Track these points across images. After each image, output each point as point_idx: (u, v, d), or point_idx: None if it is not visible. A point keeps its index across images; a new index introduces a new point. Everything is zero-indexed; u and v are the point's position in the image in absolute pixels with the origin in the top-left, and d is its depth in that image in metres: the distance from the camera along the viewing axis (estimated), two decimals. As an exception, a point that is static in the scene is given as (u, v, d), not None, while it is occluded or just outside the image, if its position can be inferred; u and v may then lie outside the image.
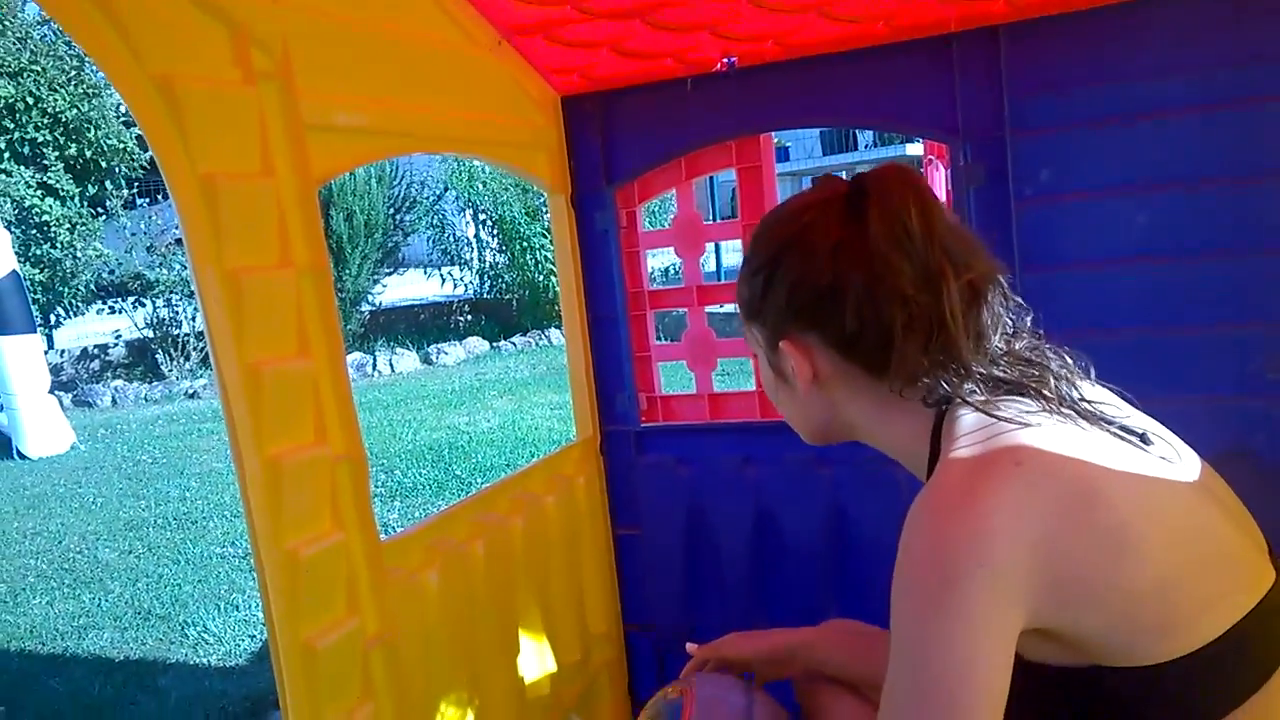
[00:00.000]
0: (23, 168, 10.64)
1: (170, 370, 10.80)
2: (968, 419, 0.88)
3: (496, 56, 1.76)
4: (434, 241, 13.60)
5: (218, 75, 1.16)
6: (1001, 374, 0.90)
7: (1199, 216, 1.60)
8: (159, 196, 11.96)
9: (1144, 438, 0.89)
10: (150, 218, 11.29)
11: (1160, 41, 1.58)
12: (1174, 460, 0.89)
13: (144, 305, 11.12)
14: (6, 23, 10.66)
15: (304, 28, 1.29)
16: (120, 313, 11.28)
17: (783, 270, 0.96)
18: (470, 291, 13.66)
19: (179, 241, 10.01)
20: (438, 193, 13.40)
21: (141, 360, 11.40)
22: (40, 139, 10.82)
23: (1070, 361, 0.96)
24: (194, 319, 10.88)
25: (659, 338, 2.17)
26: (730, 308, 1.34)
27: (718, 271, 11.44)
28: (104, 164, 11.43)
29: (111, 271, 11.31)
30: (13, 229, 9.83)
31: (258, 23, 1.21)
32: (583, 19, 1.65)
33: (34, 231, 10.75)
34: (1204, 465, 0.93)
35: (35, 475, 6.80)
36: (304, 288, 1.26)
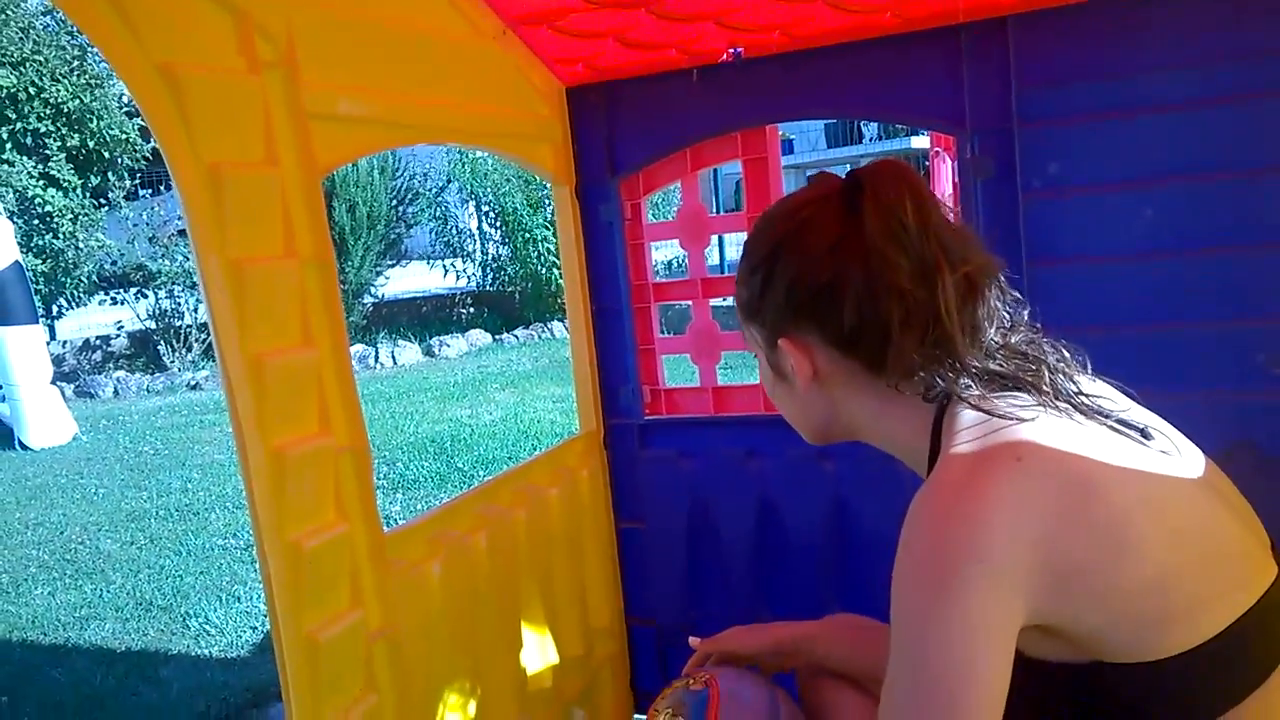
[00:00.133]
0: (25, 158, 10.63)
1: (172, 361, 10.80)
2: (967, 414, 0.88)
3: (501, 46, 1.76)
4: (437, 233, 13.60)
5: (222, 64, 1.15)
6: (998, 368, 0.90)
7: (1205, 211, 1.59)
8: (161, 187, 11.97)
9: (1144, 432, 0.89)
10: (153, 209, 11.27)
11: (1169, 35, 1.57)
12: (1174, 454, 0.89)
13: (146, 296, 11.11)
14: (9, 12, 10.63)
15: (308, 17, 1.28)
16: (122, 304, 11.28)
17: (780, 268, 0.96)
18: (473, 284, 13.67)
19: (181, 233, 10.03)
20: (440, 185, 13.39)
21: (144, 351, 11.41)
22: (42, 129, 10.80)
23: (1067, 355, 0.96)
24: (196, 310, 10.88)
25: (663, 331, 2.16)
26: (736, 300, 1.33)
27: (722, 264, 11.44)
28: (106, 155, 11.41)
29: (114, 262, 11.31)
30: (15, 219, 9.83)
31: (262, 12, 1.20)
32: (587, 9, 1.64)
33: (36, 222, 10.75)
34: (1206, 460, 0.92)
35: (37, 466, 6.81)
36: (308, 278, 1.25)
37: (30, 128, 10.72)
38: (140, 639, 3.59)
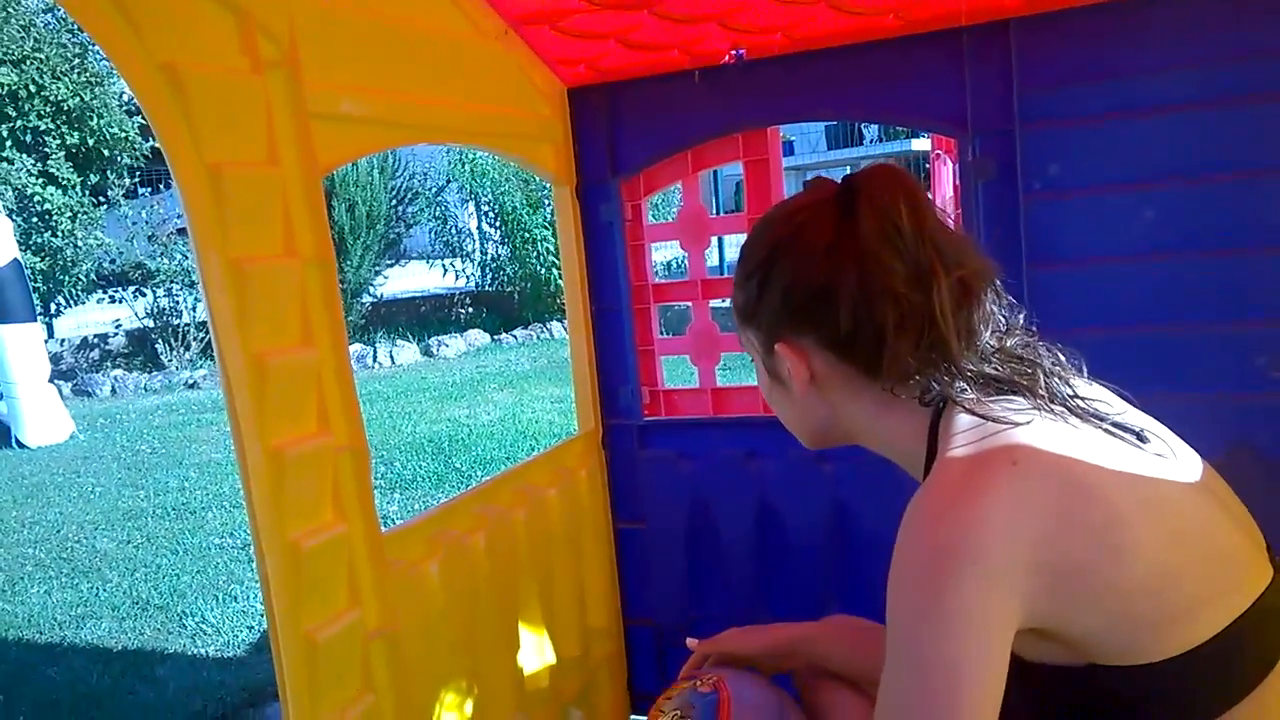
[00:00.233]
0: (24, 156, 10.62)
1: (170, 360, 10.80)
2: (963, 418, 0.88)
3: (503, 46, 1.76)
4: (436, 233, 13.60)
5: (225, 63, 1.15)
6: (993, 371, 0.90)
7: (1206, 213, 1.59)
8: (161, 186, 11.95)
9: (1140, 435, 0.89)
10: (152, 207, 11.27)
11: (1170, 37, 1.58)
12: (1170, 457, 0.89)
13: (145, 295, 11.10)
14: (10, 10, 10.62)
15: (311, 16, 1.28)
16: (121, 302, 11.27)
17: (776, 272, 0.97)
18: (472, 284, 13.67)
19: (180, 231, 10.03)
20: (440, 184, 13.39)
21: (141, 350, 11.40)
22: (42, 127, 10.79)
23: (1063, 359, 0.96)
24: (194, 309, 10.87)
25: (662, 331, 2.16)
26: (736, 302, 1.33)
27: (721, 265, 11.44)
28: (106, 153, 11.41)
29: (112, 261, 11.30)
30: (14, 217, 9.81)
31: (265, 11, 1.20)
32: (590, 9, 1.64)
33: (35, 220, 10.74)
34: (1202, 462, 0.93)
35: (34, 464, 6.80)
36: (308, 277, 1.25)
37: (30, 125, 10.71)
38: (137, 638, 3.59)
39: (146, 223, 11.07)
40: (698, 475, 2.03)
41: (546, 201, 11.91)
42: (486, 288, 13.58)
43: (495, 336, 11.92)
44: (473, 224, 13.62)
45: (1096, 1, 1.59)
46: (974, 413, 0.87)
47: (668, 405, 2.11)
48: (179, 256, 10.65)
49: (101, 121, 11.22)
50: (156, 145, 1.07)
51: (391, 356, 10.75)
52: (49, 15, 11.10)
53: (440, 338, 11.44)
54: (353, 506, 1.31)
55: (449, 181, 13.19)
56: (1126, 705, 0.82)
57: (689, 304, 2.11)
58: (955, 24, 1.67)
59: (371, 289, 12.78)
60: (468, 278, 13.60)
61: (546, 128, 1.93)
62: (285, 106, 1.23)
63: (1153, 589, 0.80)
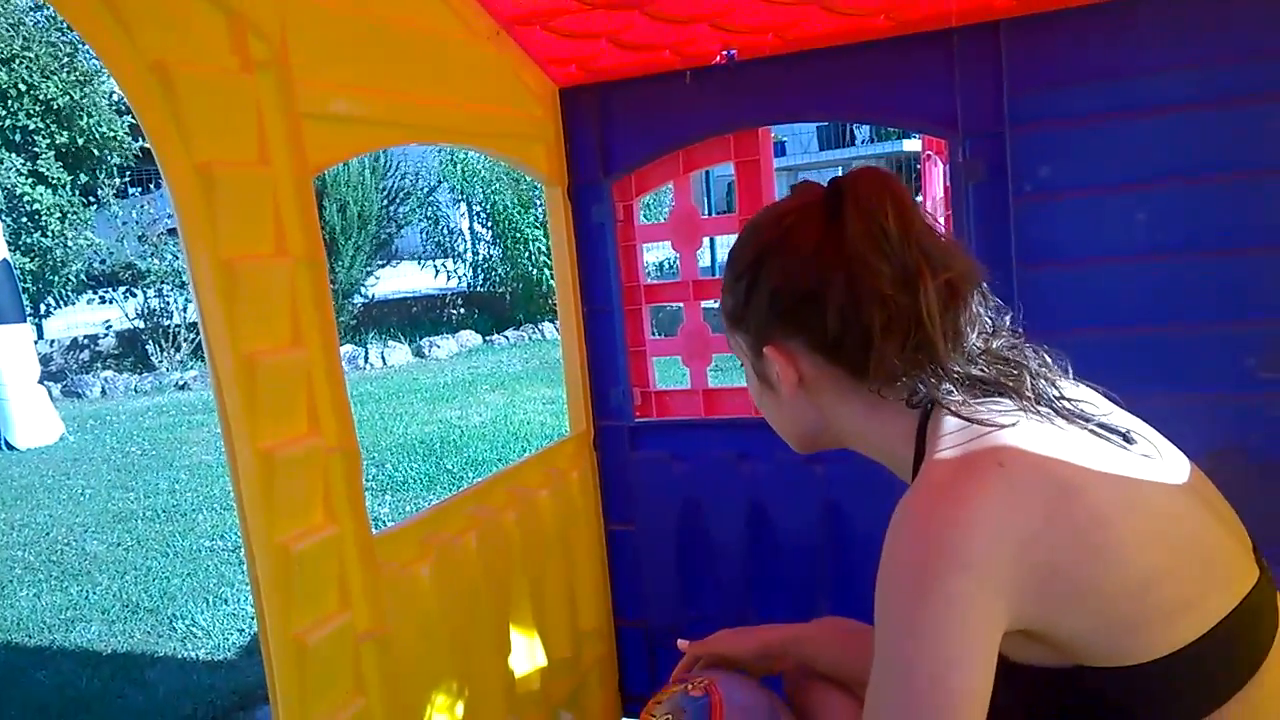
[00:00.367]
0: (13, 155, 10.56)
1: (160, 361, 10.75)
2: (950, 421, 0.89)
3: (495, 47, 1.75)
4: (427, 234, 13.57)
5: (215, 63, 1.15)
6: (979, 373, 0.91)
7: (1196, 214, 1.60)
8: (151, 186, 11.89)
9: (1126, 436, 0.90)
10: (142, 207, 11.22)
11: (1160, 38, 1.58)
12: (1156, 458, 0.89)
13: (135, 295, 11.05)
14: (-1, 8, 10.59)
15: (301, 16, 1.28)
16: (111, 303, 11.21)
17: (764, 275, 0.97)
18: (463, 284, 13.64)
19: (171, 231, 9.98)
20: (431, 185, 13.37)
21: (132, 351, 11.35)
22: (31, 126, 10.73)
23: (1049, 360, 0.97)
24: (185, 310, 10.82)
25: (654, 332, 2.16)
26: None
27: (713, 266, 11.44)
28: (96, 152, 11.36)
29: (103, 261, 11.24)
30: (3, 217, 9.77)
31: (255, 10, 1.19)
32: (581, 9, 1.64)
33: (24, 220, 10.68)
34: (1188, 463, 0.93)
35: (23, 466, 6.76)
36: (299, 278, 1.25)
37: (19, 124, 10.65)
38: (126, 641, 3.57)
39: (137, 223, 11.02)
40: (689, 476, 2.03)
41: (538, 201, 11.90)
42: (478, 288, 13.56)
43: (487, 337, 11.91)
44: (464, 224, 13.60)
45: (1087, 3, 1.59)
46: (960, 415, 0.87)
47: (659, 406, 2.11)
48: (169, 257, 10.60)
49: (91, 121, 11.17)
50: (147, 145, 1.06)
51: (383, 357, 10.73)
52: (38, 13, 11.04)
53: (432, 338, 11.42)
54: (343, 508, 1.31)
55: (440, 182, 13.17)
56: (1114, 706, 0.83)
57: (681, 305, 2.11)
58: (946, 25, 1.68)
59: (363, 289, 12.75)
60: (459, 278, 13.58)
61: (538, 128, 1.93)
62: (276, 106, 1.23)
63: (1138, 590, 0.81)
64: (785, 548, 1.96)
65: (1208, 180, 1.58)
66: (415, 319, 13.49)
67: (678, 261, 2.13)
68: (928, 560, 0.79)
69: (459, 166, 12.48)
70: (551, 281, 2.54)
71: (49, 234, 10.76)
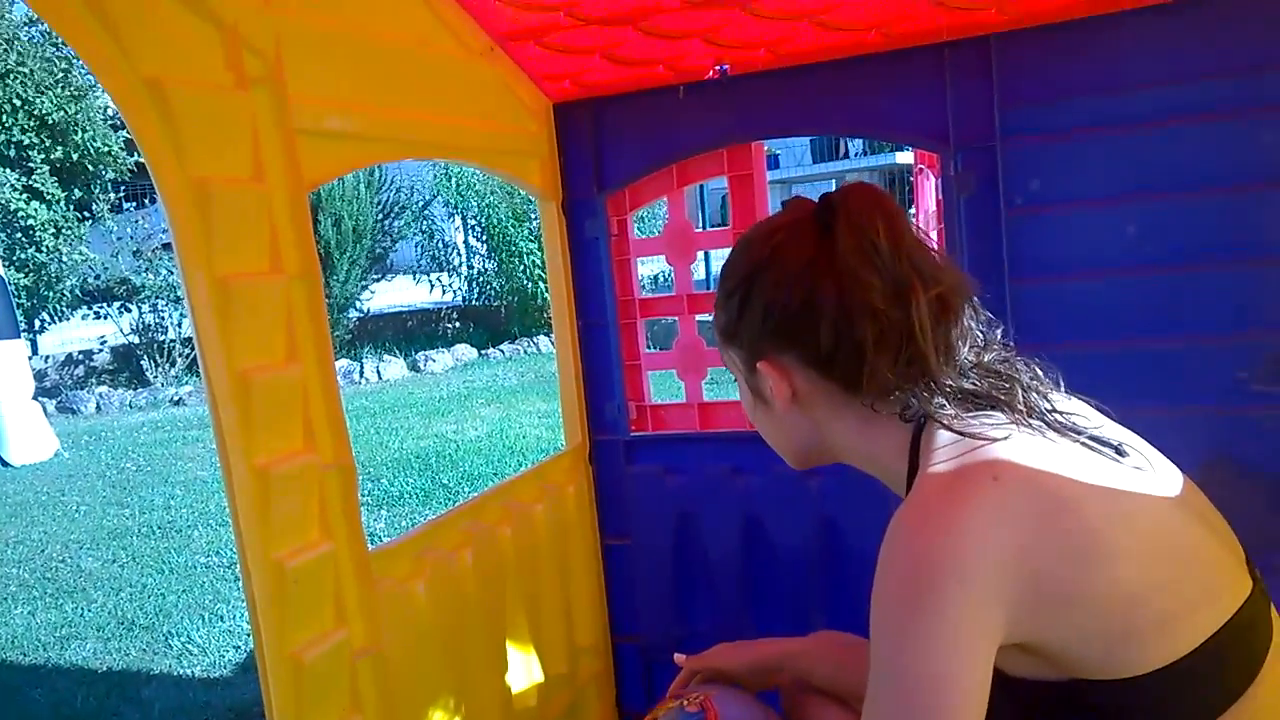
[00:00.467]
0: (8, 170, 10.55)
1: (155, 377, 10.72)
2: (944, 434, 0.89)
3: (489, 63, 1.76)
4: (422, 248, 13.58)
5: (210, 79, 1.15)
6: (971, 386, 0.91)
7: (1187, 227, 1.61)
8: (146, 201, 11.90)
9: (1118, 449, 0.90)
10: (137, 222, 11.21)
11: (1150, 52, 1.59)
12: (1148, 471, 0.90)
13: (130, 311, 11.03)
14: (-7, 24, 10.60)
15: (296, 32, 1.28)
16: (106, 318, 11.18)
17: (757, 291, 0.97)
18: (459, 298, 13.64)
19: (166, 246, 9.97)
20: (426, 198, 13.38)
21: (127, 366, 11.32)
22: (26, 141, 10.73)
23: (1040, 373, 0.97)
24: (180, 325, 10.80)
25: (649, 346, 2.16)
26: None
27: (708, 279, 11.45)
28: (90, 167, 11.35)
29: (97, 276, 11.22)
30: (-3, 233, 9.77)
31: (250, 27, 1.20)
32: (575, 25, 1.65)
33: (19, 235, 10.66)
34: (1181, 475, 0.93)
35: (18, 483, 6.73)
36: (294, 294, 1.25)
37: (14, 140, 10.65)
38: (122, 658, 3.55)
39: (131, 238, 11.01)
40: (685, 490, 2.03)
41: (532, 215, 11.91)
42: (473, 302, 13.56)
43: (482, 351, 11.90)
44: (459, 238, 13.61)
45: (1076, 17, 1.60)
46: (953, 430, 0.88)
47: (655, 420, 2.11)
48: (164, 272, 10.59)
49: (86, 136, 11.17)
50: (142, 160, 1.06)
51: (378, 372, 10.71)
52: (33, 28, 11.05)
53: (427, 352, 11.40)
54: (339, 524, 1.31)
55: (435, 195, 13.19)
56: (1109, 718, 0.83)
57: (675, 318, 2.11)
58: (937, 40, 1.69)
59: (358, 304, 12.74)
60: (454, 292, 13.58)
61: (532, 143, 1.93)
62: (271, 122, 1.23)
63: (1132, 603, 0.81)
64: (781, 561, 1.96)
65: (1198, 193, 1.59)
66: (410, 333, 13.48)
67: (672, 275, 2.13)
68: (922, 573, 0.79)
69: (454, 180, 12.50)
70: (546, 295, 2.53)
71: (44, 249, 10.74)
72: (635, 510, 2.08)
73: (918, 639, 0.78)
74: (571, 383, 2.07)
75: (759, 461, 1.91)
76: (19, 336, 7.80)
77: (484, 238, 12.88)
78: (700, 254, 2.39)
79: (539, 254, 11.61)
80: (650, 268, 12.30)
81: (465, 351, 11.76)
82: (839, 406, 0.97)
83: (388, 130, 1.53)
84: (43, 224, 10.67)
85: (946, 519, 0.81)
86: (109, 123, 11.40)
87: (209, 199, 1.11)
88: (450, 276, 13.48)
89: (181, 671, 3.39)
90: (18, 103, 10.59)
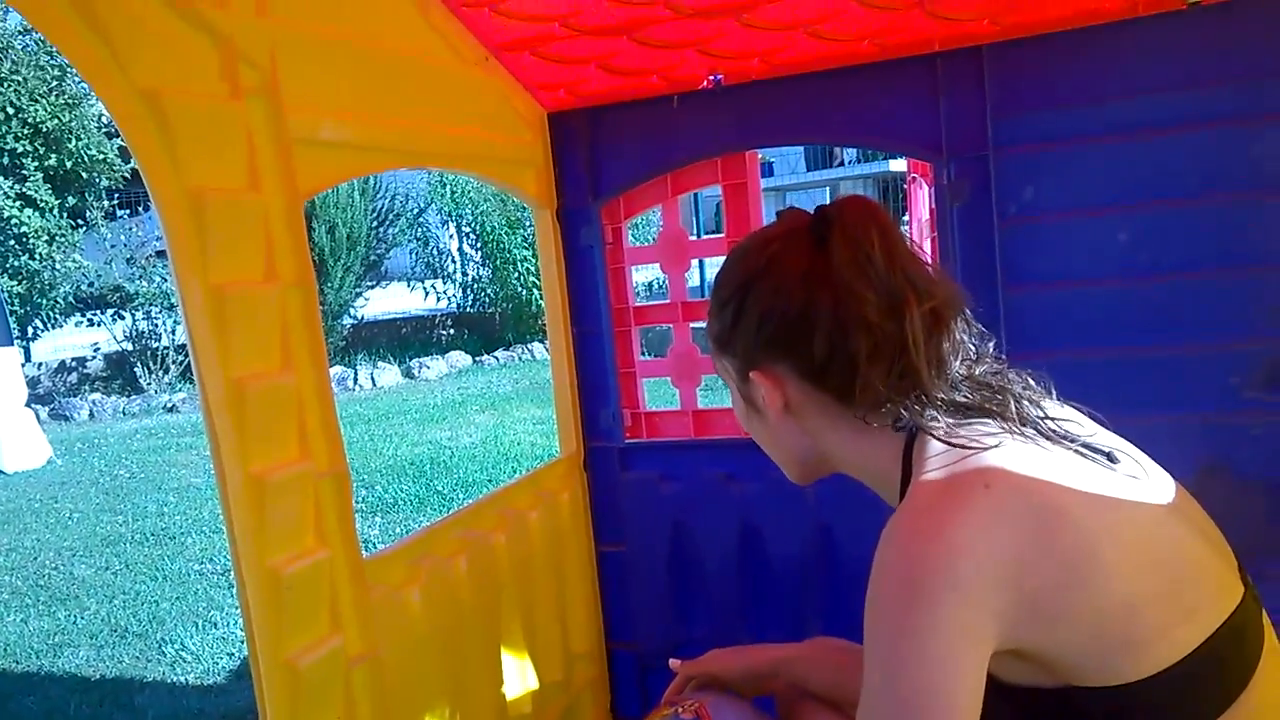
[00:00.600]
0: (2, 178, 10.56)
1: (149, 384, 10.70)
2: (936, 443, 0.89)
3: (484, 72, 1.77)
4: (416, 255, 13.58)
5: (205, 89, 1.16)
6: (963, 399, 0.92)
7: (1179, 235, 1.62)
8: (139, 208, 11.90)
9: (1110, 456, 0.90)
10: (131, 230, 11.22)
11: (1142, 62, 1.60)
12: (1141, 478, 0.90)
13: (123, 318, 11.02)
14: (-13, 33, 10.60)
15: (291, 42, 1.29)
16: (99, 325, 11.18)
17: (751, 301, 0.97)
18: (453, 305, 13.64)
19: (159, 254, 9.97)
20: (420, 206, 13.38)
21: (120, 373, 11.30)
22: (20, 149, 10.73)
23: (1032, 382, 0.98)
24: (173, 332, 10.80)
25: (643, 353, 2.17)
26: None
27: (702, 287, 11.46)
28: (84, 175, 11.36)
29: (91, 284, 11.22)
30: (-9, 240, 9.76)
31: (245, 37, 1.20)
32: (570, 36, 1.65)
33: (12, 243, 10.66)
34: (1173, 482, 0.94)
35: (11, 490, 6.72)
36: (289, 302, 1.25)
37: (7, 147, 10.65)
38: (115, 666, 3.54)
39: (125, 245, 11.01)
40: (680, 497, 2.03)
41: (526, 222, 11.92)
42: (468, 309, 13.56)
43: (477, 358, 11.89)
44: (453, 245, 13.61)
45: (1068, 28, 1.62)
46: (944, 441, 0.88)
47: (649, 427, 2.11)
48: (158, 279, 10.58)
49: (80, 143, 11.18)
50: (135, 167, 1.07)
51: (372, 378, 10.71)
52: (27, 37, 11.05)
53: (421, 359, 11.40)
54: (334, 531, 1.31)
55: (429, 203, 13.19)
56: None
57: (670, 326, 2.12)
58: (929, 50, 1.70)
59: (352, 311, 12.74)
60: (449, 299, 13.58)
61: (527, 152, 1.94)
62: (266, 132, 1.23)
63: (1124, 609, 0.81)
64: (776, 568, 1.96)
65: (1190, 202, 1.60)
66: (405, 340, 13.47)
67: (666, 282, 2.14)
68: (915, 581, 0.80)
69: (448, 188, 12.50)
70: (541, 302, 2.54)
71: (37, 257, 10.73)
72: (630, 517, 2.08)
73: (910, 645, 0.79)
74: (566, 390, 2.07)
75: (754, 468, 1.92)
76: (12, 344, 7.79)
77: (478, 244, 12.88)
78: (694, 262, 2.39)
79: (533, 260, 11.62)
80: (644, 275, 12.32)
81: (460, 358, 11.75)
82: (832, 417, 0.98)
83: (383, 140, 1.53)
84: (36, 231, 10.67)
85: (939, 526, 0.81)
86: (103, 130, 11.41)
87: (204, 209, 1.11)
88: (445, 283, 13.49)
89: (175, 679, 3.38)
90: (11, 110, 10.59)
